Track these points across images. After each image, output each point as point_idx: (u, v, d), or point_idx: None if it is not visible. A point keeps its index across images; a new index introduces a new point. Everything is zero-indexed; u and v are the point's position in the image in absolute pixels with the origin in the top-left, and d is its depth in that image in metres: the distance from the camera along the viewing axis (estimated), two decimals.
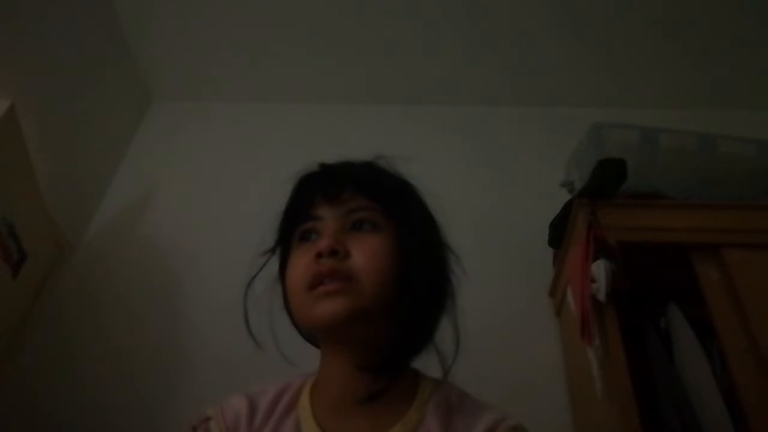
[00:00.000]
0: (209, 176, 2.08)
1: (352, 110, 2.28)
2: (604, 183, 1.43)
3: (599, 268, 1.28)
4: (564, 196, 1.59)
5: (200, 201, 2.00)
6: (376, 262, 0.65)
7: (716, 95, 2.21)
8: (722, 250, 1.35)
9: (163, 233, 1.91)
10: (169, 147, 2.19)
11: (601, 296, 1.27)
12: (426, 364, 0.73)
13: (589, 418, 1.39)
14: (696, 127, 1.56)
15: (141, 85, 2.31)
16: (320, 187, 0.71)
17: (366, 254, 0.65)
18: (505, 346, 1.56)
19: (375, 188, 0.71)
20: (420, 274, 0.67)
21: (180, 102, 2.34)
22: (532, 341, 1.62)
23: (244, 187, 2.03)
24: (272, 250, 0.76)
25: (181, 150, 2.17)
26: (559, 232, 1.59)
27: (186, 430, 0.73)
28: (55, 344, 1.65)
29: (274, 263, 0.77)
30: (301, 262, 0.67)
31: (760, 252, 1.34)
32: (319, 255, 0.65)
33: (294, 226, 0.72)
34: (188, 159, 2.14)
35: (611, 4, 2.03)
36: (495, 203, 1.94)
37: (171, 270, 1.81)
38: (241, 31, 2.15)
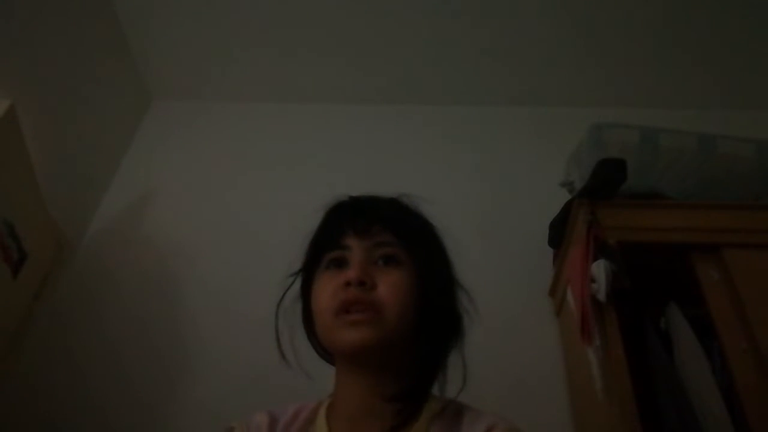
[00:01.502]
0: (209, 175, 2.08)
1: (352, 110, 2.28)
2: (604, 183, 1.43)
3: (599, 268, 1.28)
4: (564, 196, 1.59)
5: (200, 200, 2.00)
6: (399, 296, 0.71)
7: (716, 95, 2.21)
8: (722, 250, 1.35)
9: (163, 233, 1.91)
10: (168, 146, 2.19)
11: (601, 296, 1.27)
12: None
13: (589, 418, 1.39)
14: (696, 127, 1.56)
15: (141, 85, 2.31)
16: (350, 220, 0.77)
17: (391, 288, 0.71)
18: (505, 346, 1.56)
19: (401, 226, 0.77)
20: (436, 308, 0.73)
21: (180, 101, 2.34)
22: (532, 341, 1.62)
23: (244, 186, 2.03)
24: (301, 272, 0.81)
25: (180, 149, 2.17)
26: (559, 233, 1.59)
27: None
28: (55, 344, 1.65)
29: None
30: (329, 288, 0.72)
31: (760, 252, 1.35)
32: (347, 283, 0.70)
33: (322, 251, 0.77)
34: (188, 158, 2.14)
35: (612, 5, 2.03)
36: (495, 203, 1.94)
37: (170, 270, 1.81)
38: (241, 31, 2.15)
